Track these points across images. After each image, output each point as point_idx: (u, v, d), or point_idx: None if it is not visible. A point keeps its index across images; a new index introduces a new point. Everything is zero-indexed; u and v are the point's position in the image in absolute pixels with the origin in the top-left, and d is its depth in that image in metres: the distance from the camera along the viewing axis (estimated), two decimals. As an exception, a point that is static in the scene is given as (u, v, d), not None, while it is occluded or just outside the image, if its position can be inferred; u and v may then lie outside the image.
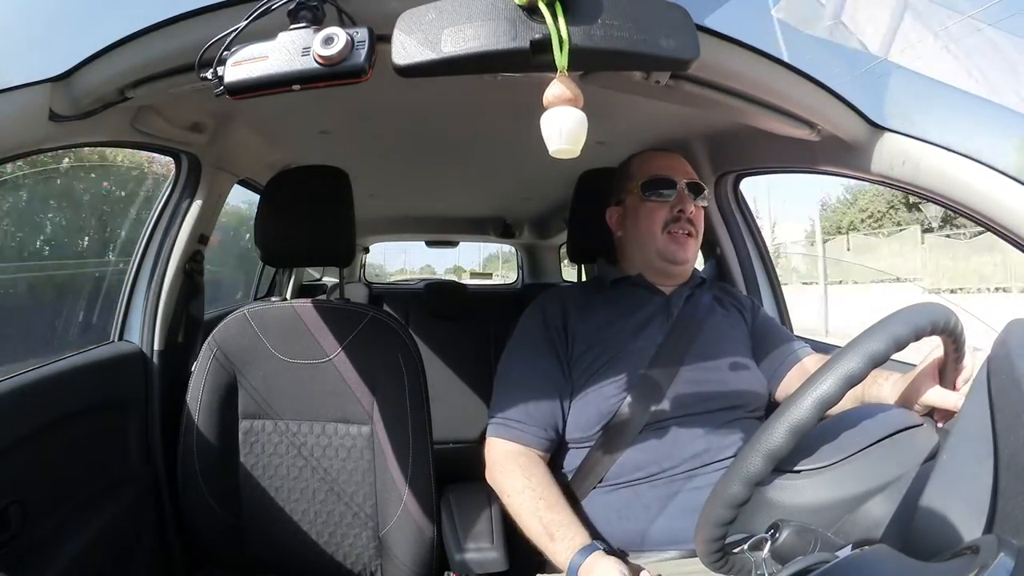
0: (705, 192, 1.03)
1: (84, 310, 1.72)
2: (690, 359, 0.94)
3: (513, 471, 0.88)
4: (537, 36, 0.50)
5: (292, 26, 0.54)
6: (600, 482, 0.90)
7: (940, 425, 0.64)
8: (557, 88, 0.51)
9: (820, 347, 1.25)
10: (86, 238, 2.24)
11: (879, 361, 0.49)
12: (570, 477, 0.94)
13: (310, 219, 1.06)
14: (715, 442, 0.88)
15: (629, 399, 0.90)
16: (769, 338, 1.03)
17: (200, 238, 1.24)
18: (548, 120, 0.51)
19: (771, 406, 0.99)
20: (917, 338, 0.52)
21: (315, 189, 1.08)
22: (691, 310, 1.00)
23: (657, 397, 0.90)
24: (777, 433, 0.49)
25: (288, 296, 1.21)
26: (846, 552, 0.44)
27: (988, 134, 0.74)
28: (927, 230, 14.12)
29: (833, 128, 0.83)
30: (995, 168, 0.71)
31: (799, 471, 0.53)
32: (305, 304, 1.08)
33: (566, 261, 2.77)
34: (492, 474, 0.91)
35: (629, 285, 1.03)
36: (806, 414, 0.48)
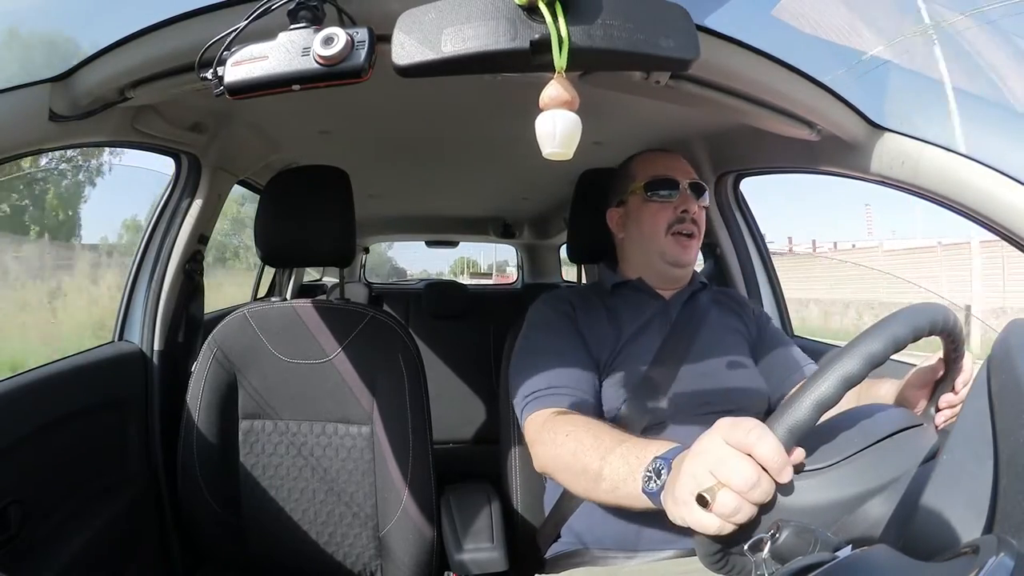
0: (707, 192, 1.03)
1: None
2: (688, 361, 0.93)
3: (553, 429, 0.79)
4: (537, 36, 0.50)
5: (292, 26, 0.54)
6: None
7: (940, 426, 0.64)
8: (553, 90, 0.51)
9: (820, 347, 1.25)
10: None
11: (878, 362, 0.49)
12: None
13: (310, 219, 1.06)
14: None
15: (628, 401, 0.89)
16: (777, 352, 1.01)
17: (200, 238, 1.24)
18: (543, 122, 0.51)
19: (771, 412, 0.98)
20: (916, 339, 0.51)
21: (315, 189, 1.08)
22: (689, 313, 1.00)
23: (656, 399, 0.90)
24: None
25: (288, 296, 1.21)
26: (846, 552, 0.44)
27: (989, 133, 0.74)
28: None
29: (833, 128, 0.83)
30: (995, 168, 0.71)
31: (798, 473, 0.53)
32: (305, 304, 1.08)
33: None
34: (535, 452, 0.83)
35: (629, 289, 1.03)
36: (804, 416, 0.48)
